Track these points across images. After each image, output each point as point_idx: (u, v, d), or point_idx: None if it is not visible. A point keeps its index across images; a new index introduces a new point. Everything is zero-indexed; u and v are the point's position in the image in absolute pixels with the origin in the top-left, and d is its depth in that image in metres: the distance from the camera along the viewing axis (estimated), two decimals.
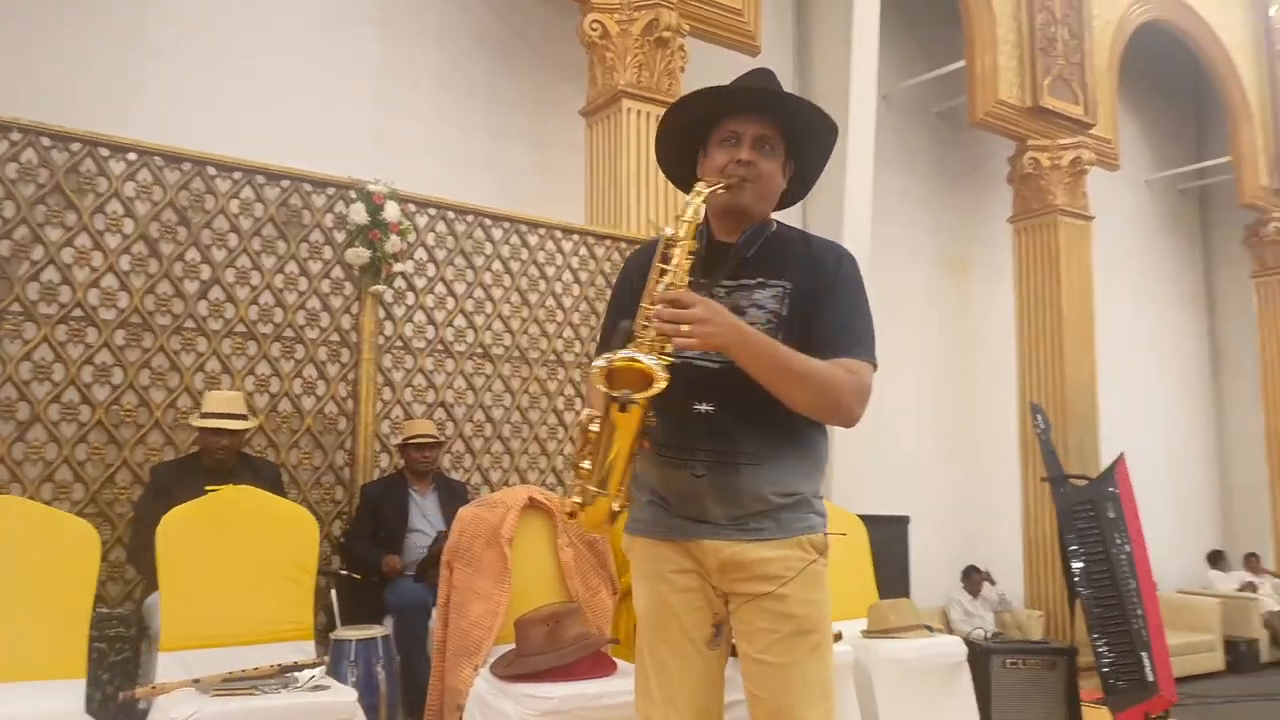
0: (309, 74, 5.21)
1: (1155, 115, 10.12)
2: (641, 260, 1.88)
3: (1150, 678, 4.02)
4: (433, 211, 4.43)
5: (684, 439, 1.78)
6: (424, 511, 3.94)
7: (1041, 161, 7.26)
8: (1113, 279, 8.51)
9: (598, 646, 2.65)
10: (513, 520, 3.00)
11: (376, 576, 3.70)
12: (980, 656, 3.87)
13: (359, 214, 4.00)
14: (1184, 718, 5.55)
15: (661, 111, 5.70)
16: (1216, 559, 9.07)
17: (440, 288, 4.43)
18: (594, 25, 5.26)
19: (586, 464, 1.63)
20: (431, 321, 4.39)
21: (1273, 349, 9.38)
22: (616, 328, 1.74)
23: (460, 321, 4.48)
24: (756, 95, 1.86)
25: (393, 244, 4.09)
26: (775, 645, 1.77)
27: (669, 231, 1.74)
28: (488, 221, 4.62)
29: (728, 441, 1.78)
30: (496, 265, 4.62)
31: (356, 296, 4.12)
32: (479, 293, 4.55)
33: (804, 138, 1.91)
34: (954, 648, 3.80)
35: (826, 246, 1.92)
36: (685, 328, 1.60)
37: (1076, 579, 4.27)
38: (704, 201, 1.77)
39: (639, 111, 5.25)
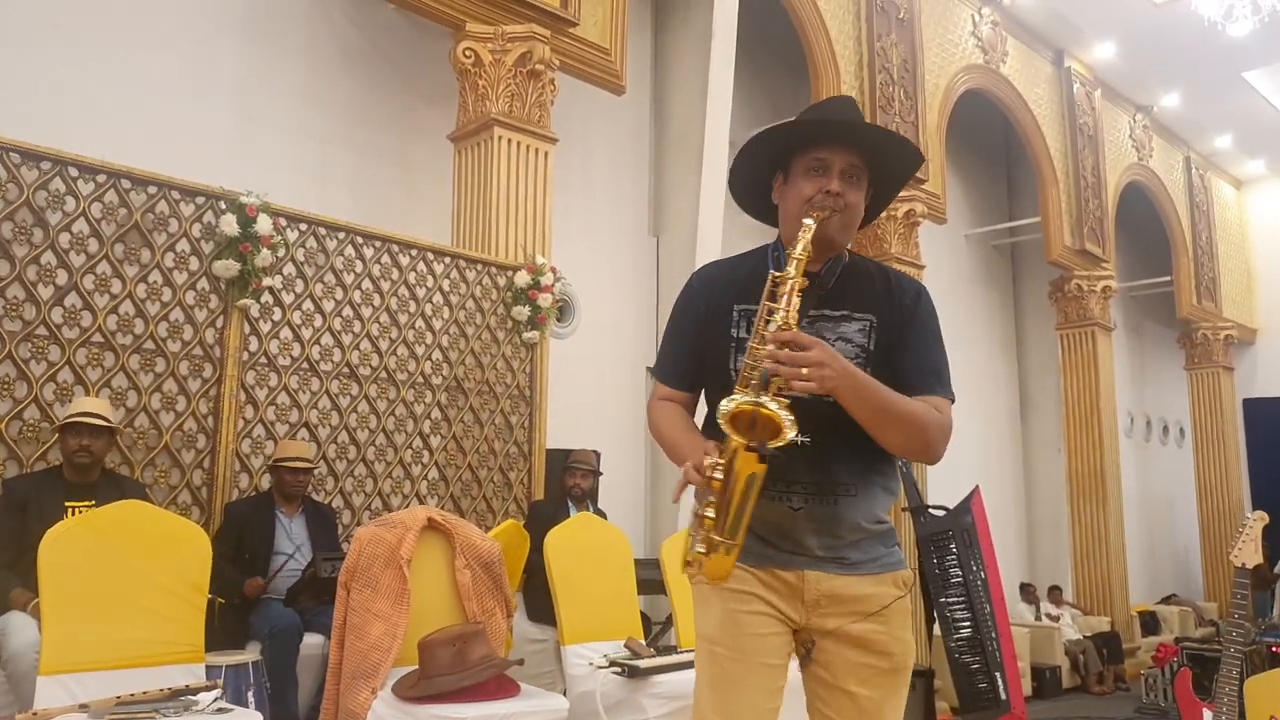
0: (167, 77, 4.98)
1: (974, 175, 11.05)
2: (712, 292, 1.85)
3: (1004, 696, 4.34)
4: (304, 226, 4.32)
5: (781, 471, 1.72)
6: (290, 535, 3.80)
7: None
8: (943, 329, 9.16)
9: (504, 668, 2.65)
10: (412, 541, 2.95)
11: (239, 599, 3.53)
12: None
13: (230, 225, 3.86)
14: None
15: (533, 142, 5.80)
16: (1024, 591, 9.81)
17: (308, 304, 4.32)
18: (467, 53, 5.29)
19: (710, 512, 1.58)
20: (298, 339, 4.26)
21: (1074, 394, 10.33)
22: (741, 368, 1.67)
23: (327, 339, 4.38)
24: (848, 129, 1.82)
25: (263, 258, 3.96)
26: (873, 680, 1.78)
27: (780, 269, 1.70)
28: (359, 239, 4.55)
29: (825, 473, 1.78)
30: (366, 284, 4.55)
31: (222, 310, 3.96)
32: (347, 311, 4.46)
33: (885, 168, 1.87)
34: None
35: (907, 282, 1.90)
36: (805, 371, 1.57)
37: (937, 602, 4.56)
38: (810, 236, 1.71)
39: (510, 140, 5.31)
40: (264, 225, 3.93)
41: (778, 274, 1.69)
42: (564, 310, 6.62)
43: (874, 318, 1.82)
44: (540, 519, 4.45)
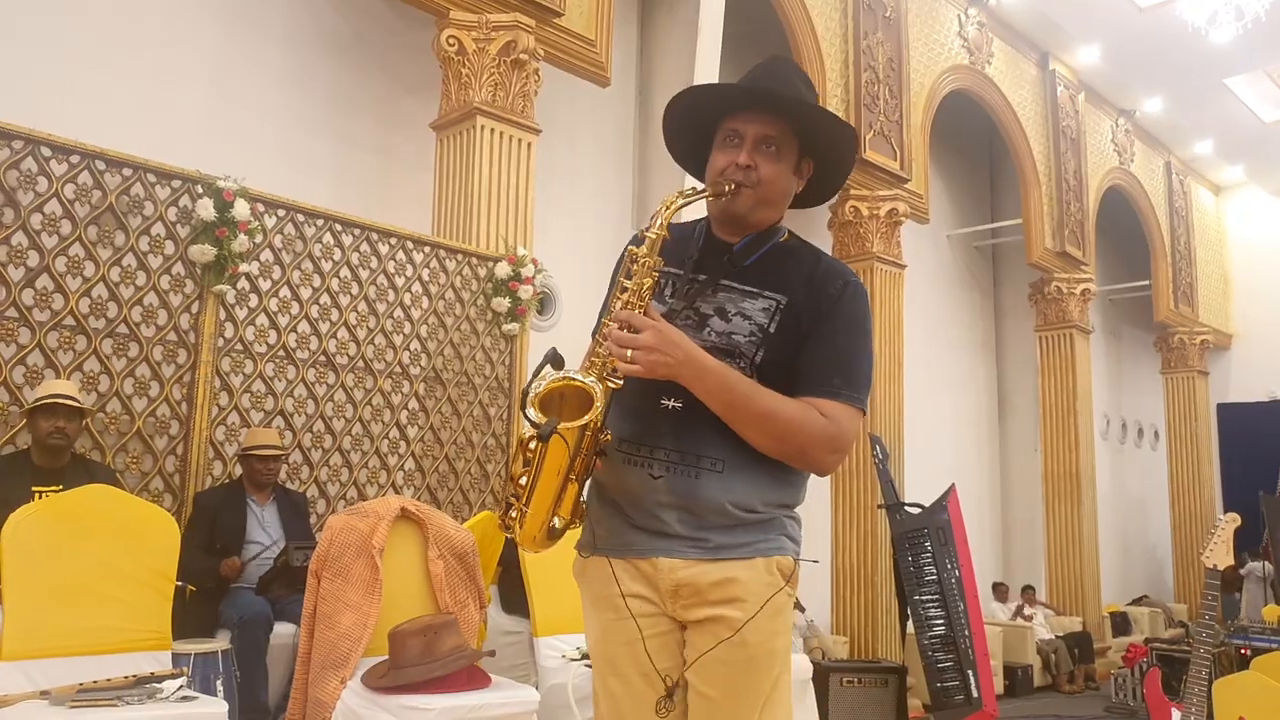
0: (145, 57, 4.92)
1: (957, 176, 11.09)
2: (624, 262, 1.67)
3: (976, 694, 4.37)
4: (282, 212, 4.28)
5: (645, 434, 1.63)
6: (263, 523, 3.77)
7: (862, 210, 7.80)
8: (916, 324, 9.21)
9: (475, 659, 2.64)
10: (384, 530, 2.93)
11: (212, 584, 3.49)
12: (821, 675, 4.07)
13: (206, 210, 3.81)
14: None
15: (516, 132, 5.77)
16: (998, 590, 9.88)
17: (285, 291, 4.27)
18: (450, 40, 5.25)
19: (523, 479, 1.55)
20: (274, 326, 4.22)
21: (1051, 396, 10.41)
22: (547, 352, 1.64)
23: (304, 327, 4.33)
24: (753, 96, 1.69)
25: (240, 243, 3.92)
26: (723, 679, 1.59)
27: (635, 245, 1.63)
28: (338, 227, 4.50)
29: (692, 442, 1.61)
30: (345, 272, 4.51)
31: (197, 295, 3.91)
32: (325, 299, 4.42)
33: (818, 144, 1.73)
34: (800, 667, 3.98)
35: (837, 273, 1.72)
36: (629, 353, 1.51)
37: (911, 600, 4.58)
38: (671, 213, 1.62)
39: (493, 130, 5.27)
40: (241, 210, 3.89)
41: (634, 249, 1.61)
42: (545, 302, 6.59)
43: (783, 299, 1.67)
44: None
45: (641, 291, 1.59)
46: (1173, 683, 5.98)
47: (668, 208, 1.63)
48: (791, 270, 1.71)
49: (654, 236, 1.61)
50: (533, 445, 1.53)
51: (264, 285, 4.19)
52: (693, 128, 1.78)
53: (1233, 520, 3.69)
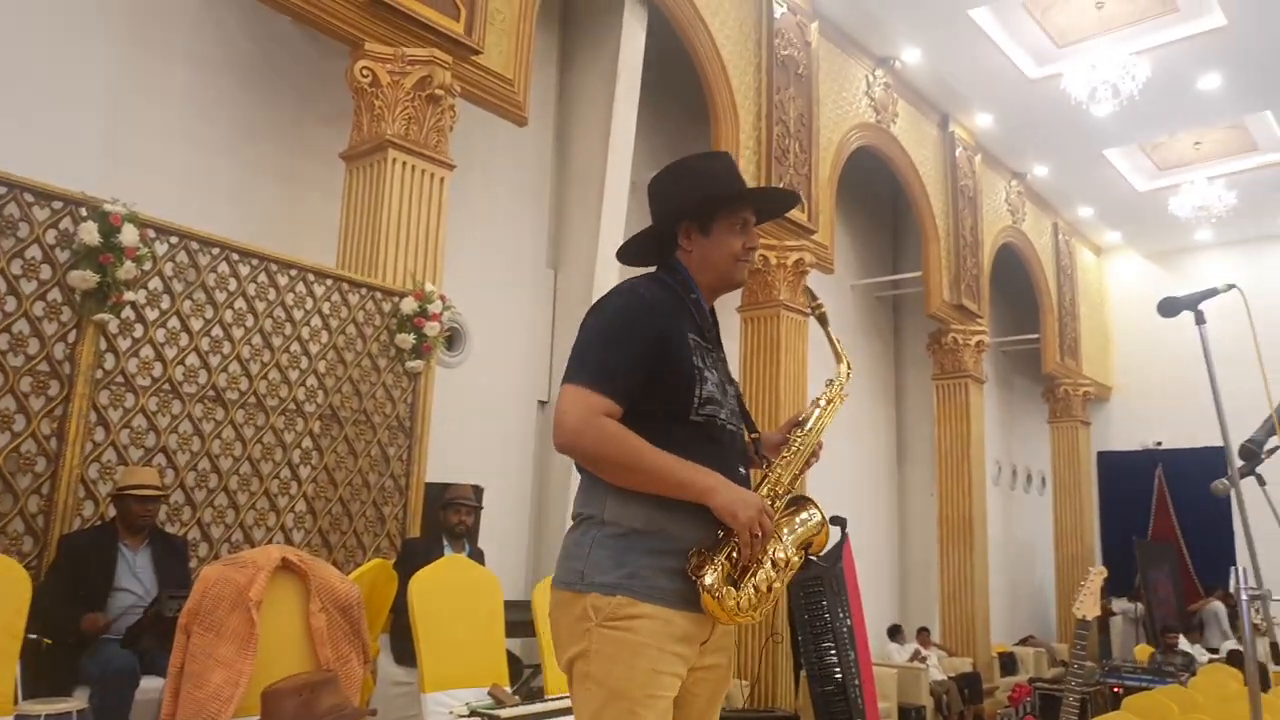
0: (35, 72, 4.68)
1: (862, 229, 11.41)
2: (664, 311, 1.84)
3: None
4: (174, 240, 4.08)
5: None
6: (134, 569, 3.53)
7: (770, 259, 7.92)
8: (820, 370, 9.36)
9: (356, 718, 2.50)
10: (263, 581, 2.77)
11: (73, 639, 3.25)
12: None
13: (90, 234, 3.60)
14: None
15: (428, 166, 5.69)
16: (894, 632, 10.05)
17: (174, 322, 4.07)
18: (364, 72, 5.15)
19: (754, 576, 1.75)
20: (160, 358, 4.01)
21: (947, 442, 10.72)
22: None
23: (193, 360, 4.13)
24: (781, 197, 2.14)
25: (126, 270, 3.72)
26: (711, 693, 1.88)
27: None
28: (235, 256, 4.33)
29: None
30: (240, 303, 4.33)
31: (75, 324, 3.69)
32: (217, 330, 4.23)
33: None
34: None
35: None
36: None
37: (803, 649, 4.59)
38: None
39: (405, 163, 5.18)
40: (129, 236, 3.69)
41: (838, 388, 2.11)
42: (454, 339, 6.48)
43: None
44: (413, 556, 4.28)
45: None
46: None
47: (836, 390, 2.16)
48: None
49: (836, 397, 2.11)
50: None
51: (151, 315, 3.99)
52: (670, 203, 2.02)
53: (1100, 573, 3.85)
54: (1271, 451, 2.37)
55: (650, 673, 1.68)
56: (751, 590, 1.72)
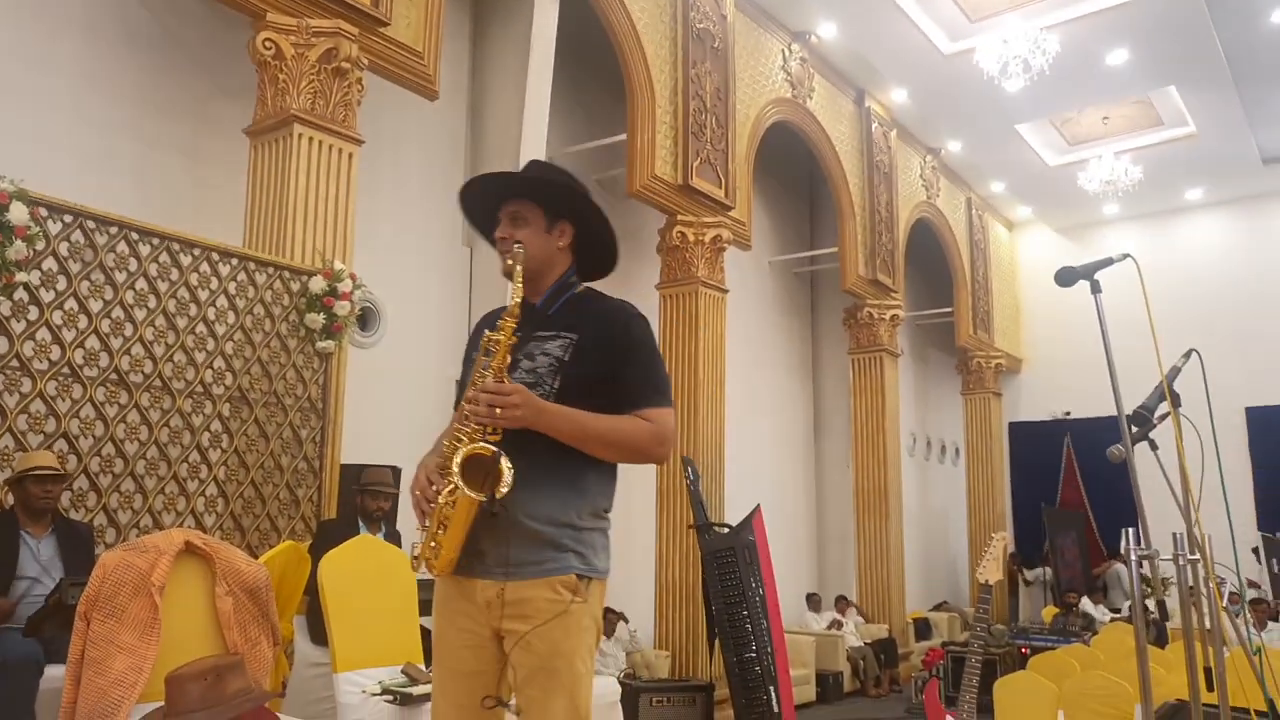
0: None
1: (779, 205, 11.56)
2: (476, 338, 2.10)
3: (776, 709, 4.53)
4: (69, 218, 3.96)
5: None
6: (37, 556, 3.45)
7: (688, 236, 7.99)
8: (738, 347, 9.51)
9: (263, 700, 2.50)
10: (165, 566, 2.73)
11: None
12: (630, 696, 4.11)
13: None
14: None
15: (337, 142, 5.58)
16: (813, 601, 10.32)
17: (72, 304, 3.95)
18: (267, 44, 5.03)
19: (440, 531, 1.91)
20: (58, 341, 3.90)
21: (862, 416, 10.98)
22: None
23: (93, 343, 4.02)
24: (485, 182, 2.21)
25: (16, 250, 3.60)
26: (521, 687, 1.94)
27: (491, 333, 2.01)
28: (134, 235, 4.21)
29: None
30: (141, 284, 4.21)
31: None
32: (118, 312, 4.12)
33: (553, 202, 2.14)
34: (609, 689, 3.99)
35: (615, 306, 2.15)
36: (499, 411, 1.88)
37: (717, 618, 4.70)
38: (518, 287, 2.01)
39: (311, 139, 5.08)
40: (18, 214, 3.57)
41: (489, 333, 2.00)
42: (367, 319, 6.40)
43: (576, 336, 2.07)
44: (329, 539, 4.25)
45: (500, 366, 1.97)
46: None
47: (512, 285, 2.03)
48: (583, 313, 2.13)
49: (509, 318, 1.98)
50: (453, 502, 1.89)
51: (46, 297, 3.86)
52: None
53: (1003, 539, 4.02)
54: (1164, 417, 2.49)
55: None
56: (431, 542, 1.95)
